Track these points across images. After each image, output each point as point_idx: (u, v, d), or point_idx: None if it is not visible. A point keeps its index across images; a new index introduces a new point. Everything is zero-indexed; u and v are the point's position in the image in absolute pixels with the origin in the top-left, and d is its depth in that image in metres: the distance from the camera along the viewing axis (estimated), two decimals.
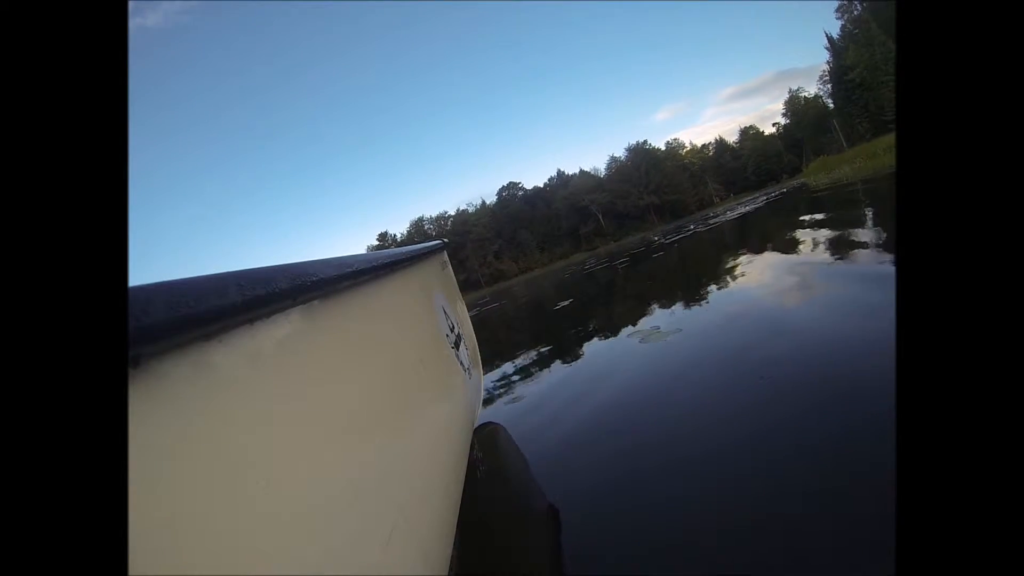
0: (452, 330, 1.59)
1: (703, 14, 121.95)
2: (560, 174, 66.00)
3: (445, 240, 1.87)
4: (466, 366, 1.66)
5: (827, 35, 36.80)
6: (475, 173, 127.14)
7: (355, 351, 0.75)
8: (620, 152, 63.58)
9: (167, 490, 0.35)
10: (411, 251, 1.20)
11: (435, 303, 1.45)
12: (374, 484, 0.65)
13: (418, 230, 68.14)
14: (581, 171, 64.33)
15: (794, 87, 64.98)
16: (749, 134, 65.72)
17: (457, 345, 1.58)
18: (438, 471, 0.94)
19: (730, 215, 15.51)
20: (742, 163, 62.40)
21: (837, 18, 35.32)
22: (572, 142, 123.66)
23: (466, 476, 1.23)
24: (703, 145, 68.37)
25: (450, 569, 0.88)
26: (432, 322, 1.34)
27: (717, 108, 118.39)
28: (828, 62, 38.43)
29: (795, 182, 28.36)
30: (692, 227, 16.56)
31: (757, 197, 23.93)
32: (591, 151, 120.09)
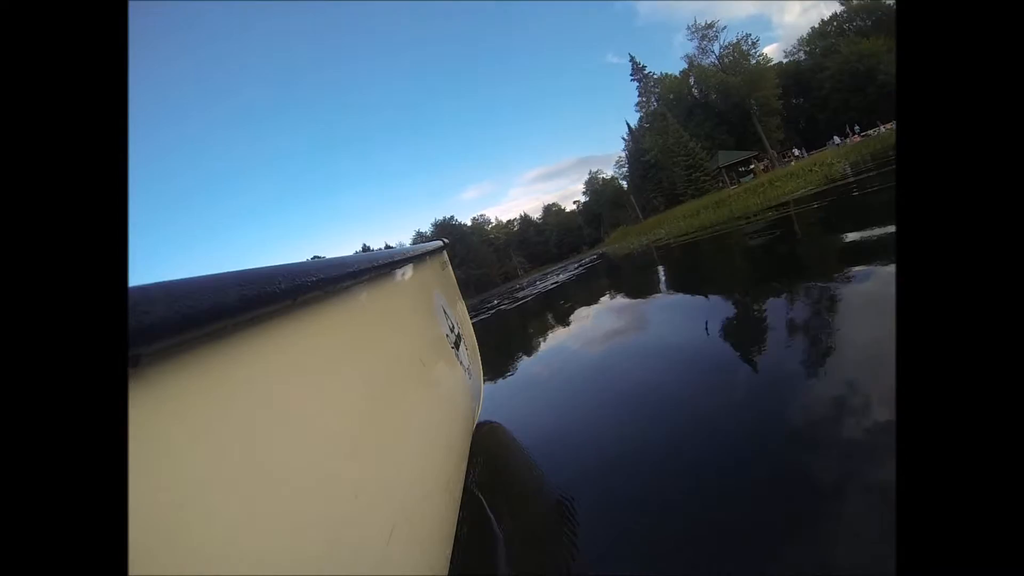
0: (452, 330, 1.59)
1: (512, 109, 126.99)
2: (365, 248, 62.80)
3: (445, 240, 1.87)
4: (466, 366, 1.66)
5: (628, 124, 44.92)
6: (272, 245, 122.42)
7: (355, 351, 0.75)
8: (427, 228, 62.77)
9: (167, 490, 0.35)
10: (411, 251, 1.20)
11: (435, 303, 1.45)
12: (374, 484, 0.65)
13: None
14: (386, 245, 61.94)
15: (593, 170, 70.21)
16: (552, 211, 69.82)
17: (457, 345, 1.58)
18: (438, 471, 0.94)
19: (541, 285, 12.54)
20: (545, 237, 66.40)
21: (636, 111, 43.01)
22: (378, 218, 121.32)
23: (466, 475, 1.23)
24: (508, 221, 71.49)
25: (450, 569, 0.87)
26: (432, 322, 1.34)
27: (523, 188, 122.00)
28: (625, 149, 46.05)
29: (597, 251, 28.22)
30: (496, 302, 12.47)
31: (568, 265, 21.95)
32: (397, 227, 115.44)
